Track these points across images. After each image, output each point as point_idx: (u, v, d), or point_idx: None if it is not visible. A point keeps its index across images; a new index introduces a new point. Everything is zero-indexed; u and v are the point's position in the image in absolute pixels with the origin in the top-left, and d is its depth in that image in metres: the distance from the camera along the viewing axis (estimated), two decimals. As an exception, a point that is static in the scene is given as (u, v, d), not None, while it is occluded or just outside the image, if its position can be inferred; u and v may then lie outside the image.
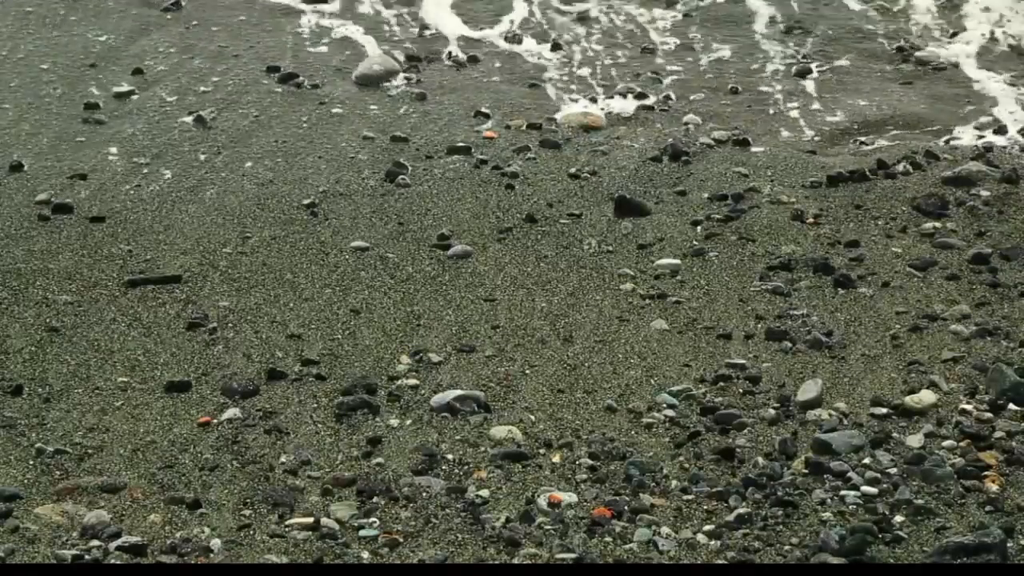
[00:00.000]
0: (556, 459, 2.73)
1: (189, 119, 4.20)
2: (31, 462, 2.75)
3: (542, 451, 2.75)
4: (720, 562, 2.45)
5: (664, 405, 2.87)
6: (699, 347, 3.08)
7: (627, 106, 4.28)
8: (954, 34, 4.73)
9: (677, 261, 3.39)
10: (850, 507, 2.58)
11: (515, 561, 2.47)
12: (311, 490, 2.65)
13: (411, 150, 3.97)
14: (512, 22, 4.91)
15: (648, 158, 3.89)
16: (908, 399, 2.88)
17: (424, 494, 2.63)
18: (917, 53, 4.59)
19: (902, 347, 3.07)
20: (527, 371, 3.01)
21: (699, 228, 3.50)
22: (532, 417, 2.85)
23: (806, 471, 2.67)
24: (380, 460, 2.72)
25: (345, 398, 2.90)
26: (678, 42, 4.69)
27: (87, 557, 2.49)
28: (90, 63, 4.63)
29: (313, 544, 2.51)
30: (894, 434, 2.79)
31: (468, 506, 2.60)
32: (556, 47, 4.72)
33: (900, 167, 3.80)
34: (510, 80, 4.49)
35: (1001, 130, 4.04)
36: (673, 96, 4.27)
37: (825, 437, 2.75)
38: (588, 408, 2.89)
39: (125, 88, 4.41)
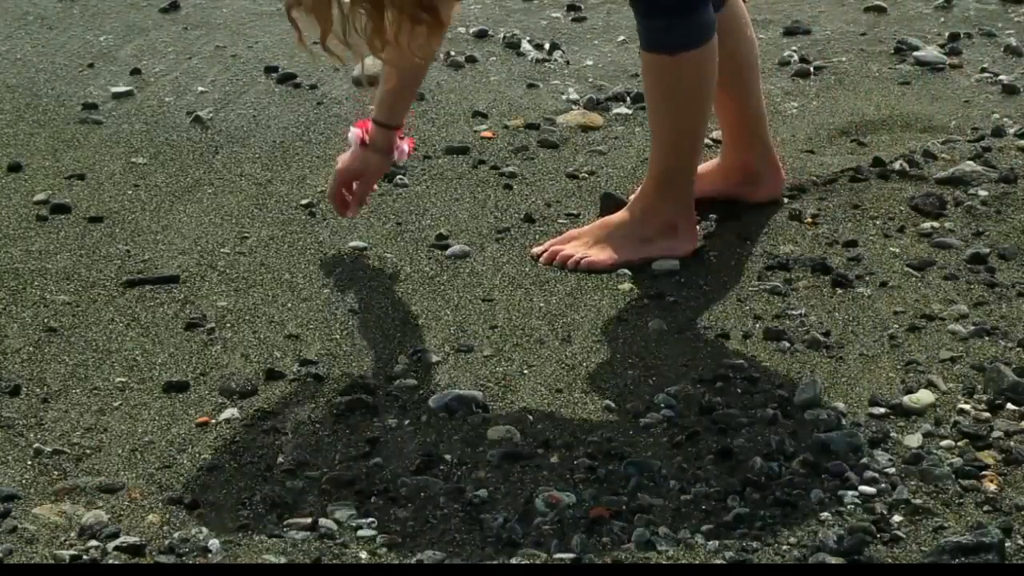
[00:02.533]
0: (554, 459, 2.73)
1: (187, 119, 4.21)
2: (29, 462, 2.75)
3: (540, 451, 2.75)
4: (718, 562, 2.46)
5: (662, 405, 2.88)
6: (697, 347, 3.08)
7: (625, 106, 4.28)
8: (952, 36, 4.74)
9: (675, 261, 3.39)
10: (848, 507, 2.58)
11: (513, 561, 2.47)
12: (309, 490, 2.65)
13: (409, 150, 3.97)
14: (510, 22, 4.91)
15: (646, 158, 3.89)
16: (906, 399, 2.88)
17: (422, 494, 2.63)
18: (915, 53, 4.60)
19: (900, 347, 3.07)
20: (525, 371, 3.01)
21: (697, 227, 3.49)
22: (530, 417, 2.85)
23: (804, 471, 2.67)
24: (378, 460, 2.72)
25: (343, 398, 2.90)
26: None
27: (85, 557, 2.49)
28: (88, 63, 4.63)
29: (311, 544, 2.51)
30: (892, 434, 2.79)
31: (466, 506, 2.60)
32: (555, 47, 4.72)
33: (898, 166, 3.81)
34: (508, 80, 4.49)
35: (998, 131, 4.04)
36: (671, 96, 4.26)
37: (823, 437, 2.75)
38: (586, 408, 2.89)
39: (123, 88, 4.42)
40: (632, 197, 3.47)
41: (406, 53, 2.97)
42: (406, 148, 3.47)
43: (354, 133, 3.44)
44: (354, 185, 3.45)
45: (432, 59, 3.15)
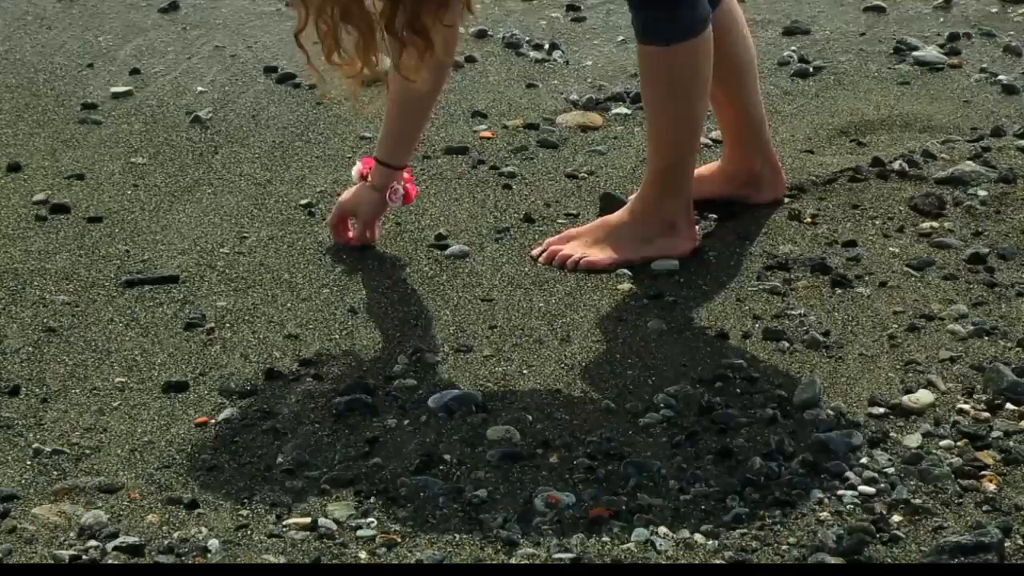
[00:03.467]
0: (554, 459, 2.73)
1: (186, 119, 4.21)
2: (28, 462, 2.75)
3: (540, 451, 2.75)
4: (718, 562, 2.46)
5: (662, 405, 2.87)
6: (696, 347, 3.08)
7: (625, 106, 4.28)
8: (951, 36, 4.74)
9: (675, 261, 3.39)
10: (847, 507, 2.58)
11: (512, 561, 2.47)
12: (309, 490, 2.65)
13: (408, 150, 3.96)
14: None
15: (645, 157, 3.88)
16: (905, 399, 2.88)
17: (422, 494, 2.63)
18: (914, 53, 4.60)
19: (899, 347, 3.07)
20: (525, 371, 3.01)
21: (697, 228, 3.49)
22: (530, 417, 2.85)
23: (803, 471, 2.67)
24: (378, 460, 2.72)
25: (343, 398, 2.90)
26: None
27: (84, 557, 2.49)
28: (87, 63, 4.63)
29: (311, 544, 2.51)
30: (891, 433, 2.79)
31: (466, 506, 2.60)
32: (554, 47, 4.72)
33: (897, 166, 3.80)
34: (508, 80, 4.49)
35: (997, 131, 4.03)
36: (670, 96, 4.26)
37: (822, 437, 2.75)
38: (586, 408, 2.89)
39: (122, 88, 4.42)
40: (632, 197, 3.48)
41: (398, 73, 3.00)
42: (401, 191, 3.45)
43: (357, 168, 3.47)
44: (351, 221, 3.50)
45: (426, 85, 3.15)
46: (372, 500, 2.62)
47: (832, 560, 2.44)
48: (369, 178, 3.45)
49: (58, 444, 2.79)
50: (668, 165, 3.37)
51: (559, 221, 3.61)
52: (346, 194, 3.49)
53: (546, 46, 4.74)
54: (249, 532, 2.55)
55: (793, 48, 4.68)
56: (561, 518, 2.56)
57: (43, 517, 2.58)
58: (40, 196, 3.75)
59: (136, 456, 2.76)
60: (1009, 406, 2.86)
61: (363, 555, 2.49)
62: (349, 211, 3.48)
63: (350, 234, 3.49)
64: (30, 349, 3.11)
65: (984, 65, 4.52)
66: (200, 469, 2.72)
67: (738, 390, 2.93)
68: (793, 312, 3.20)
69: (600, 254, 3.37)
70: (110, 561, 2.48)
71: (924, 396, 2.88)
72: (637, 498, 2.61)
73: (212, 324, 3.19)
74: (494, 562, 2.46)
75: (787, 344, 3.08)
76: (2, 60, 4.66)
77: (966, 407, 2.86)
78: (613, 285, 3.32)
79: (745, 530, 2.53)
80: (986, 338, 3.09)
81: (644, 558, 2.47)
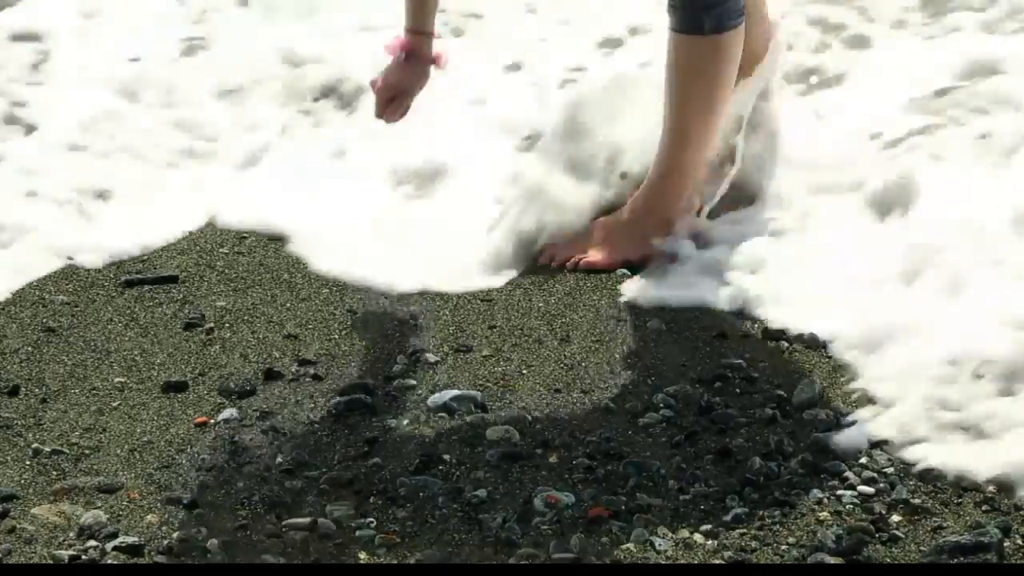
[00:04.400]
0: (553, 459, 2.73)
1: (186, 119, 4.20)
2: (28, 462, 2.75)
3: (539, 451, 2.75)
4: (718, 562, 2.46)
5: (661, 405, 2.87)
6: (696, 347, 3.08)
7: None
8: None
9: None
10: (847, 507, 2.58)
11: (512, 561, 2.47)
12: (308, 490, 2.65)
13: (408, 150, 3.96)
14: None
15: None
16: (905, 399, 2.88)
17: (421, 494, 2.63)
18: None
19: (899, 347, 3.07)
20: (524, 371, 3.01)
21: (696, 227, 3.49)
22: (529, 417, 2.85)
23: (803, 471, 2.67)
24: (377, 460, 2.72)
25: (342, 398, 2.90)
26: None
27: (84, 557, 2.49)
28: (87, 63, 4.62)
29: (310, 544, 2.51)
30: (891, 433, 2.79)
31: (465, 506, 2.60)
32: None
33: (897, 166, 3.80)
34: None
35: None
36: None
37: (822, 437, 2.75)
38: (585, 408, 2.89)
39: (122, 88, 4.41)
40: (632, 196, 3.46)
41: None
42: (445, 56, 3.35)
43: (397, 43, 3.32)
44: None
45: None
46: (371, 500, 2.62)
47: (831, 560, 2.44)
48: (411, 50, 3.32)
49: (57, 444, 2.79)
50: (678, 162, 3.34)
51: (559, 221, 3.60)
52: (387, 75, 3.34)
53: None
54: (249, 532, 2.55)
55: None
56: (560, 518, 2.56)
57: (42, 517, 2.58)
58: (40, 196, 3.74)
59: (136, 456, 2.76)
60: (1009, 406, 2.86)
61: (363, 555, 2.49)
62: (398, 89, 3.35)
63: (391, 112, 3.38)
64: (30, 349, 3.11)
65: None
66: (200, 469, 2.72)
67: (737, 390, 2.93)
68: (792, 312, 3.20)
69: (599, 254, 3.37)
70: (110, 561, 2.48)
71: (924, 396, 2.88)
72: (636, 498, 2.61)
73: (212, 324, 3.19)
74: (494, 562, 2.46)
75: (786, 344, 3.08)
76: (1, 60, 4.65)
77: (966, 407, 2.85)
78: (613, 285, 3.32)
79: (745, 530, 2.53)
80: (985, 338, 3.08)
81: (644, 558, 2.47)
